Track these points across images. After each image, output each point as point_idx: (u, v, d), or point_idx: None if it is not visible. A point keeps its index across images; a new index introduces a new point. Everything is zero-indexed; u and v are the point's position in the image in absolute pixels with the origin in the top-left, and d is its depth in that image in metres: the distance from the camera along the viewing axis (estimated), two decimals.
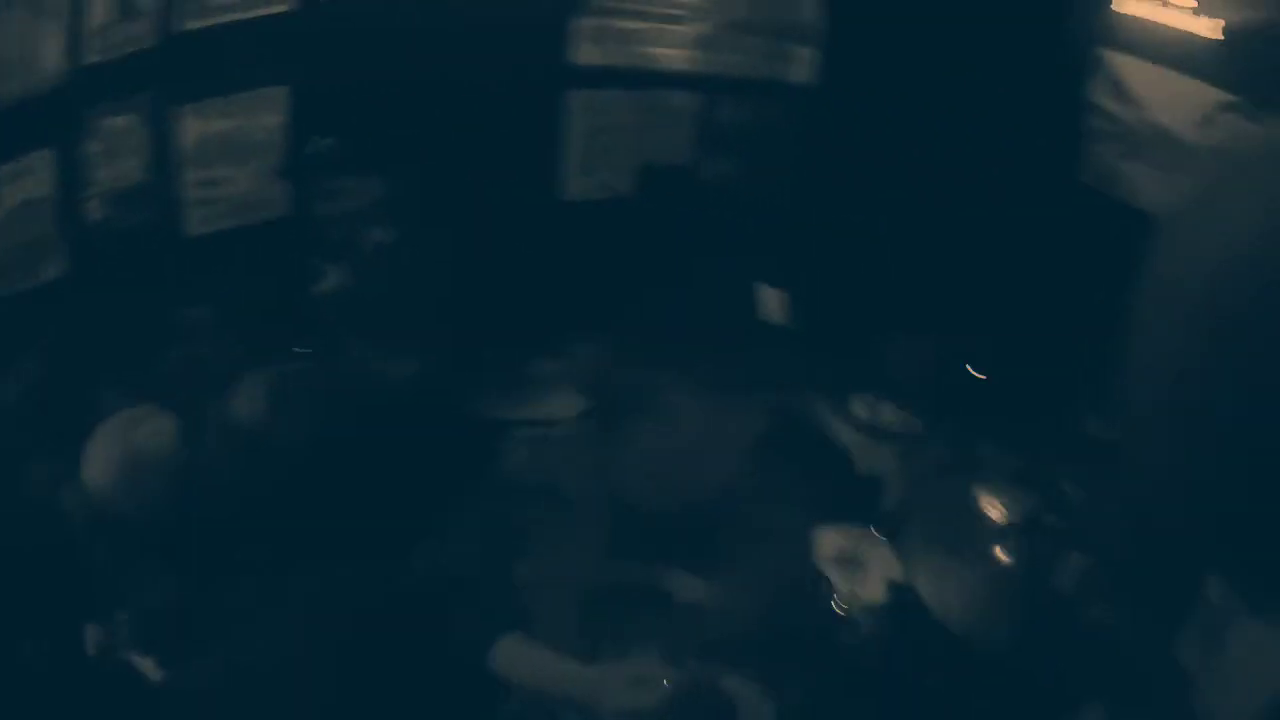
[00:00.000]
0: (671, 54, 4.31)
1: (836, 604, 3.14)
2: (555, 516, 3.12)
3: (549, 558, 2.95)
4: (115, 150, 3.04)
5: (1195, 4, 3.77)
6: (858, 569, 3.31)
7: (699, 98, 4.44)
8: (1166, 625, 2.95)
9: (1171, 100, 4.07)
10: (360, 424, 2.84)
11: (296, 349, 2.90)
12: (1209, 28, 3.74)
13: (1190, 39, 3.82)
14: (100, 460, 2.34)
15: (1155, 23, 3.90)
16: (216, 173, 3.20)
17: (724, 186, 4.60)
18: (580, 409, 3.44)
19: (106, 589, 2.39)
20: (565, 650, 2.27)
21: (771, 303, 4.44)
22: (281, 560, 2.46)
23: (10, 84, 2.89)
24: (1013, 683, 2.90)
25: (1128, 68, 4.17)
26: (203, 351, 2.80)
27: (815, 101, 4.65)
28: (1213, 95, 3.89)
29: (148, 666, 2.34)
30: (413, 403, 3.07)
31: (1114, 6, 3.99)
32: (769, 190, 4.67)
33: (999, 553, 2.80)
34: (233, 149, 3.22)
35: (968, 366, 4.03)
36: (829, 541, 3.43)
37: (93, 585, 2.38)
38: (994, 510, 2.87)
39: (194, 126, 3.18)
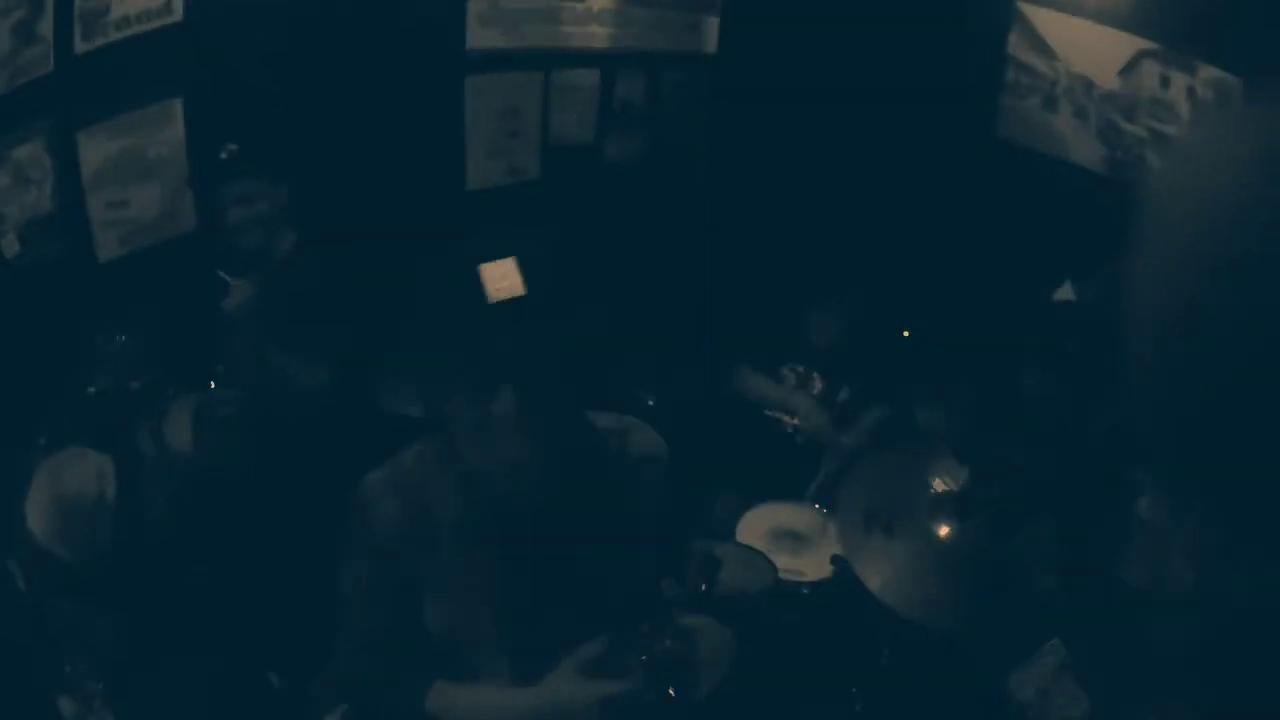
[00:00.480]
0: (571, 31, 4.33)
1: (784, 577, 3.23)
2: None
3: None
4: (23, 181, 3.00)
5: None
6: (800, 545, 3.44)
7: (601, 74, 4.49)
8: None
9: (1091, 50, 4.19)
10: (283, 440, 2.92)
11: (214, 382, 2.91)
12: None
13: None
14: (37, 511, 2.38)
15: None
16: (122, 193, 3.18)
17: (633, 163, 4.67)
18: None
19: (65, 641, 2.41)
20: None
21: (690, 279, 4.55)
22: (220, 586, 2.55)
23: None
24: (959, 654, 2.98)
25: (1046, 20, 4.27)
26: (129, 381, 2.81)
27: (721, 70, 4.77)
28: (1133, 44, 4.04)
29: None
30: (332, 410, 3.14)
31: None
32: (681, 164, 4.78)
33: (940, 524, 2.83)
34: (135, 167, 3.20)
35: (904, 332, 4.15)
36: (769, 517, 3.58)
37: (50, 641, 2.40)
38: (936, 480, 2.90)
39: (96, 149, 3.14)
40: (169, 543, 2.60)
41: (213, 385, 2.91)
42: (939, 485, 2.90)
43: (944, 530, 2.83)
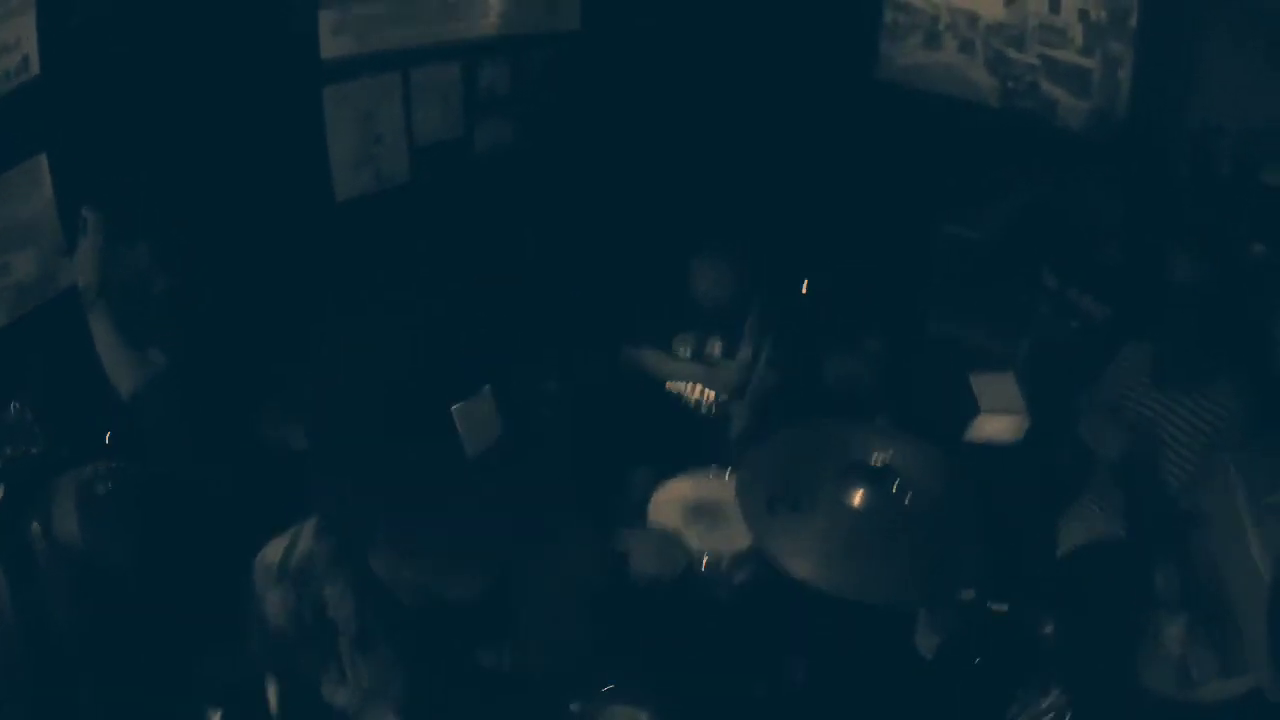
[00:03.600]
0: (428, 29, 4.42)
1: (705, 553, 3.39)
2: None
3: None
4: None
5: None
6: (717, 517, 3.59)
7: (462, 66, 4.60)
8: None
9: None
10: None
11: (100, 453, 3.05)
12: None
13: None
14: None
15: None
16: (1, 261, 3.27)
17: (504, 151, 4.81)
18: None
19: None
20: None
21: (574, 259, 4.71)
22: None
23: None
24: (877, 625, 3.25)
25: None
26: (29, 449, 2.94)
27: (588, 43, 4.90)
28: None
29: None
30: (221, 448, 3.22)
31: None
32: (554, 144, 4.92)
33: (851, 494, 2.94)
34: (8, 234, 3.30)
35: (803, 285, 4.31)
36: (682, 492, 3.72)
37: None
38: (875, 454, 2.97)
39: None
40: (74, 644, 2.75)
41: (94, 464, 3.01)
42: (877, 458, 2.97)
43: (857, 498, 2.95)
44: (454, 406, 2.67)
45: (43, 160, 3.39)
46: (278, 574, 2.27)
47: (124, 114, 3.53)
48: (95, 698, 2.82)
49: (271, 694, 2.46)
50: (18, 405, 2.98)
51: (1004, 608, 3.11)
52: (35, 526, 2.77)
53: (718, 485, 3.74)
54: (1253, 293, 3.71)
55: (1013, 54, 4.37)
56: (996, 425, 3.23)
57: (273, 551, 2.41)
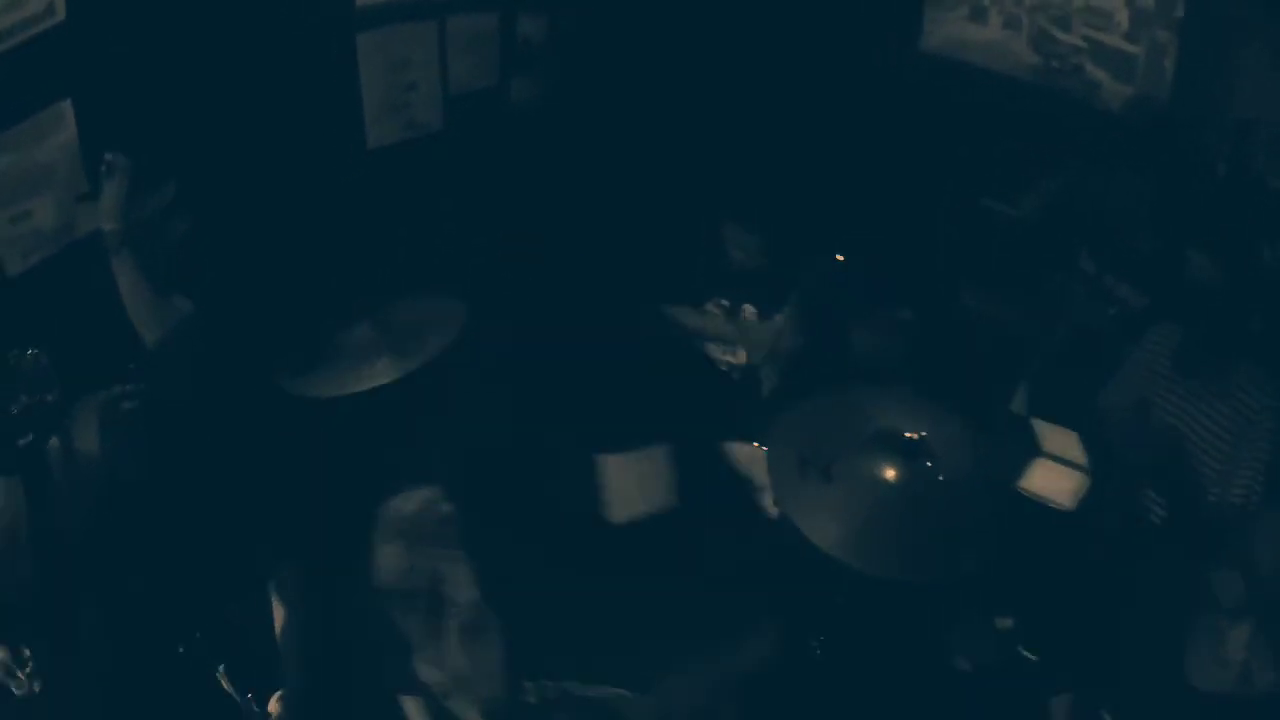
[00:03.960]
0: None
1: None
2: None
3: None
4: None
5: None
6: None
7: (495, 17, 4.55)
8: None
9: None
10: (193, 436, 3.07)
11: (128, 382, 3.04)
12: None
13: None
14: None
15: None
16: (21, 206, 3.31)
17: (539, 104, 4.77)
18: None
19: None
20: None
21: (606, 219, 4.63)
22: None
23: None
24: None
25: None
26: (45, 395, 2.97)
27: (613, 5, 4.82)
28: None
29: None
30: (246, 399, 3.24)
31: None
32: (586, 102, 4.85)
33: (883, 467, 2.86)
34: (27, 179, 3.32)
35: (839, 256, 4.24)
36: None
37: None
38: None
39: None
40: (93, 560, 2.77)
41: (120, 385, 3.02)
42: (911, 434, 2.91)
43: (890, 473, 2.87)
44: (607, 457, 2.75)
45: (66, 105, 3.39)
46: (397, 530, 2.24)
47: (151, 59, 3.53)
48: (100, 614, 2.82)
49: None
50: (35, 352, 2.95)
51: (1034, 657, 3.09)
52: (54, 441, 2.77)
53: (748, 453, 3.66)
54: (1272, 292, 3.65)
55: (1058, 33, 4.31)
56: (1054, 480, 3.16)
57: (402, 504, 2.38)
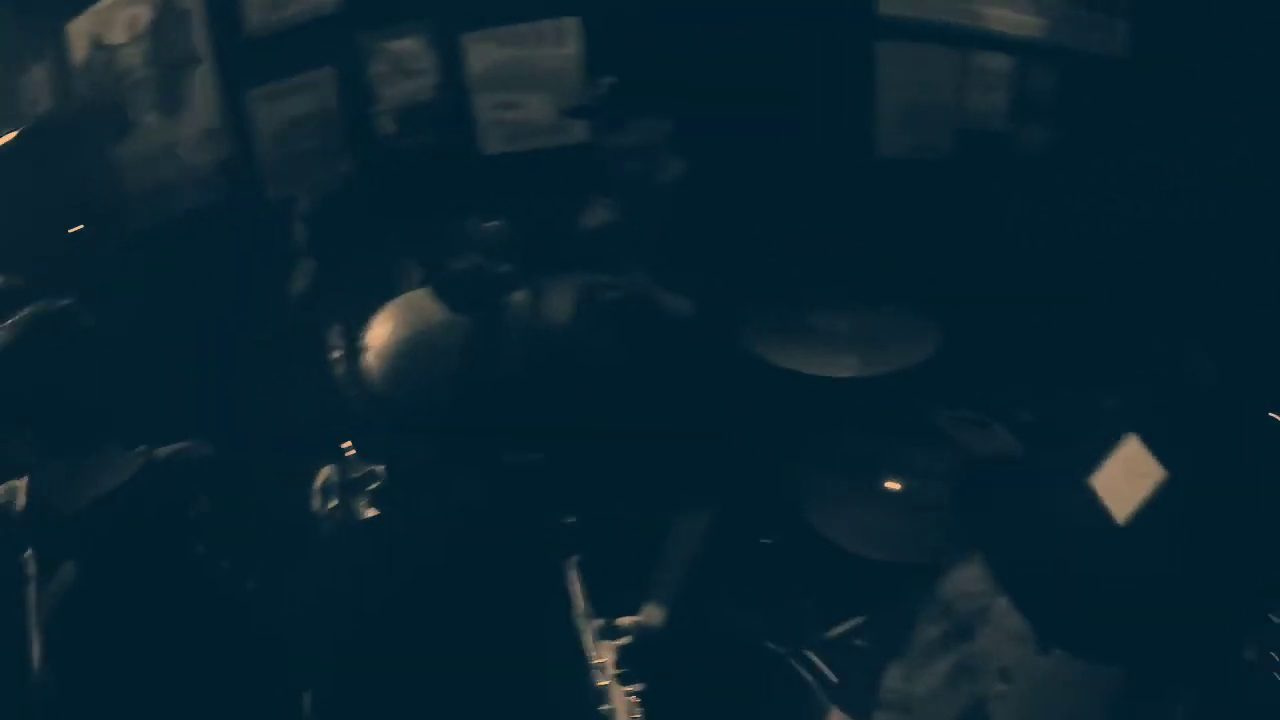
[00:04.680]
0: (979, 10, 4.22)
1: None
2: None
3: None
4: (402, 71, 3.41)
5: None
6: None
7: (1016, 62, 4.31)
8: None
9: None
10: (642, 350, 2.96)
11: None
12: None
13: None
14: (377, 346, 2.39)
15: None
16: (512, 97, 3.45)
17: (1043, 155, 4.40)
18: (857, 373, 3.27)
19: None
20: None
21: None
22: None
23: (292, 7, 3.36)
24: None
25: None
26: (497, 265, 2.85)
27: (1125, 75, 4.41)
28: None
29: None
30: (688, 339, 3.15)
31: None
32: (1093, 160, 4.37)
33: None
34: (525, 76, 3.46)
35: None
36: None
37: None
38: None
39: (482, 54, 3.47)
40: (515, 411, 2.54)
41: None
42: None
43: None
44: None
45: (574, 22, 3.51)
46: None
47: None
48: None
49: None
50: (497, 223, 2.98)
51: None
52: (519, 300, 2.68)
53: None
54: None
55: None
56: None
57: None
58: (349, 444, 2.84)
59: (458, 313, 2.53)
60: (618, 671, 2.37)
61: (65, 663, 2.45)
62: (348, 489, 2.78)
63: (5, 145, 4.01)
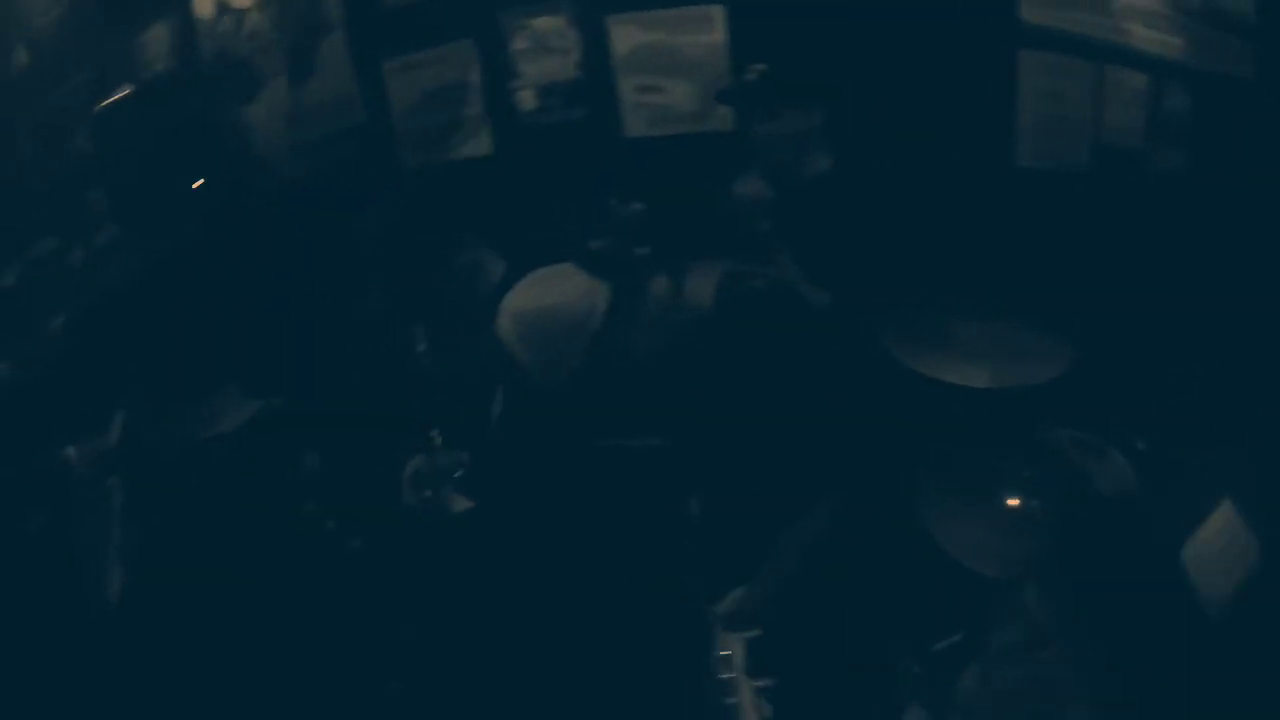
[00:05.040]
0: (1114, 24, 4.13)
1: None
2: None
3: None
4: (544, 49, 3.48)
5: None
6: None
7: (1150, 80, 4.21)
8: None
9: None
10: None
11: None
12: None
13: None
14: (512, 314, 2.39)
15: None
16: (655, 81, 3.49)
17: (1178, 177, 4.27)
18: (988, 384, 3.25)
19: None
20: None
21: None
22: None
23: None
24: None
25: None
26: (635, 246, 2.86)
27: (1261, 95, 4.27)
28: None
29: None
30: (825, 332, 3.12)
31: None
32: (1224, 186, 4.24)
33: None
34: (668, 61, 3.47)
35: None
36: None
37: None
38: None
39: (626, 36, 3.50)
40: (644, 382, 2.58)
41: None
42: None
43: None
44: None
45: (718, 10, 3.50)
46: None
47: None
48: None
49: None
50: (641, 207, 3.00)
51: None
52: (660, 280, 2.77)
53: None
54: None
55: None
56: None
57: None
58: (436, 432, 2.84)
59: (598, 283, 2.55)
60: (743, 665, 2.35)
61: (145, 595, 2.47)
62: (438, 477, 2.77)
63: (122, 99, 4.06)
